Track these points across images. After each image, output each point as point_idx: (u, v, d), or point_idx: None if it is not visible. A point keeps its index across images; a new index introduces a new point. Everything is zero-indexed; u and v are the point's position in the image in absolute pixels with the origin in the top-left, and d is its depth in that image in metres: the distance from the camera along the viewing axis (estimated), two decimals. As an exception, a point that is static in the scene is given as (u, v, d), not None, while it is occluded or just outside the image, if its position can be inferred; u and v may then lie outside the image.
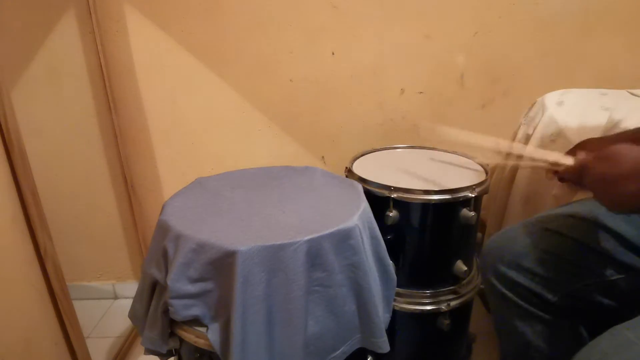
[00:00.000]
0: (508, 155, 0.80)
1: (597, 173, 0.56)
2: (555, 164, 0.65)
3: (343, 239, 0.74)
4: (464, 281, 1.01)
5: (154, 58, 1.22)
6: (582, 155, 0.60)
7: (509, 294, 0.73)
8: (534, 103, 1.11)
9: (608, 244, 0.68)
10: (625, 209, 0.58)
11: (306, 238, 0.71)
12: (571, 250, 0.69)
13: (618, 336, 0.51)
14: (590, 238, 0.69)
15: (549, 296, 0.70)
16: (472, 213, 0.91)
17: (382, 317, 0.82)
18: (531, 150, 0.69)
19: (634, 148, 0.54)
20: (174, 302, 0.72)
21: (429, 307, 0.98)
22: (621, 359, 0.49)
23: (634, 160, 0.53)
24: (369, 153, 1.16)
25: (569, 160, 0.62)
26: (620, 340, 0.51)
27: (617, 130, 0.89)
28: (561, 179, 0.68)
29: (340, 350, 0.79)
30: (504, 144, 0.79)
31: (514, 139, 1.15)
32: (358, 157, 1.12)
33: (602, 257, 0.68)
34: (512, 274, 0.72)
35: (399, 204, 0.92)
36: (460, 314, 1.02)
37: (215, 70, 1.23)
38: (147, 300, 0.81)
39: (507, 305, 0.74)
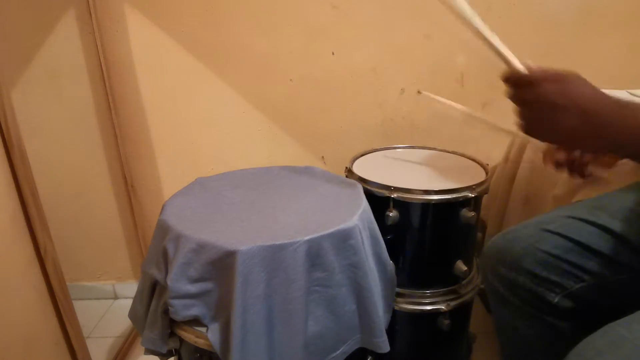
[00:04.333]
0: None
1: (542, 91, 0.54)
2: (507, 62, 0.60)
3: (343, 239, 0.74)
4: (464, 281, 1.01)
5: (154, 58, 1.22)
6: (537, 71, 0.56)
7: (510, 296, 0.73)
8: (534, 103, 1.10)
9: (608, 244, 0.68)
10: (545, 138, 0.56)
11: (306, 238, 0.71)
12: (571, 251, 0.69)
13: (612, 333, 0.51)
14: (590, 239, 0.69)
15: (550, 298, 0.69)
16: (472, 213, 0.91)
17: (382, 317, 0.82)
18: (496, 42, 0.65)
19: (586, 84, 0.54)
20: (174, 302, 0.72)
21: (429, 307, 0.98)
22: (615, 356, 0.48)
23: (582, 95, 0.53)
24: (369, 153, 1.16)
25: (520, 67, 0.58)
26: (614, 337, 0.51)
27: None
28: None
29: (340, 350, 0.79)
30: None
31: (514, 139, 1.15)
32: (358, 157, 1.12)
33: (603, 258, 0.68)
34: (512, 275, 0.72)
35: (399, 204, 0.91)
36: (460, 314, 1.02)
37: (215, 70, 1.23)
38: (147, 300, 0.81)
39: (508, 307, 0.74)
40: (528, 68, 0.58)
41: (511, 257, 0.73)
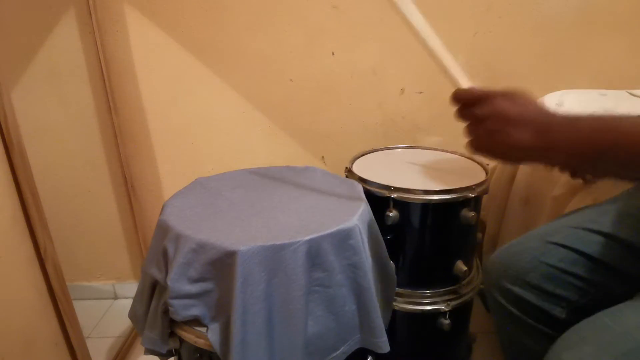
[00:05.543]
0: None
1: (497, 106, 0.54)
2: (455, 80, 0.60)
3: (343, 239, 0.74)
4: (464, 281, 1.01)
5: (154, 58, 1.22)
6: (487, 88, 0.57)
7: (515, 311, 0.71)
8: (534, 103, 1.10)
9: (614, 254, 0.66)
10: (495, 154, 0.56)
11: (306, 238, 0.71)
12: (577, 263, 0.67)
13: (596, 322, 0.53)
14: (596, 249, 0.67)
15: (556, 312, 0.68)
16: (472, 213, 0.91)
17: (382, 317, 0.82)
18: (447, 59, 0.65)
19: (535, 101, 0.55)
20: (174, 302, 0.72)
21: (429, 307, 0.98)
22: (597, 341, 0.50)
23: (535, 110, 0.53)
24: (369, 153, 1.16)
25: (469, 84, 0.59)
26: (599, 325, 0.52)
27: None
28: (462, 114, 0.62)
29: (340, 350, 0.79)
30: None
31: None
32: (358, 157, 1.12)
33: (609, 269, 0.66)
34: (518, 290, 0.70)
35: (399, 204, 0.92)
36: (460, 314, 1.02)
37: (215, 70, 1.23)
38: (147, 300, 0.81)
39: (514, 323, 0.72)
40: (477, 87, 0.59)
41: (515, 272, 0.71)
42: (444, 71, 0.62)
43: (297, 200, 0.86)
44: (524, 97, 0.55)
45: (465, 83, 0.60)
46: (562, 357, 0.52)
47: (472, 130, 0.57)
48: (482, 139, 0.56)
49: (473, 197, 0.90)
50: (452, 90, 0.60)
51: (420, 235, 0.98)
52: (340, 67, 1.22)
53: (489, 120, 0.54)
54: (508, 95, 0.55)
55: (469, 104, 0.57)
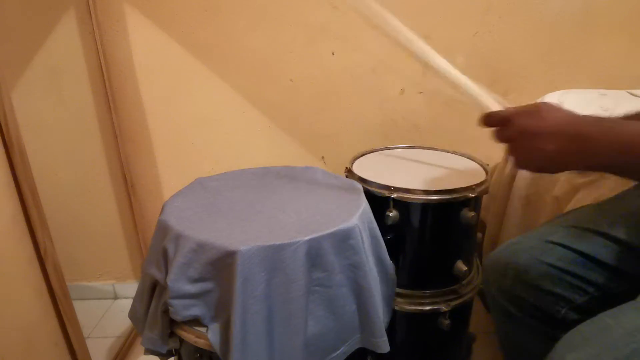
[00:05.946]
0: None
1: (519, 125, 0.58)
2: (487, 107, 0.64)
3: (343, 239, 0.74)
4: (464, 281, 1.01)
5: (154, 58, 1.22)
6: (511, 109, 0.61)
7: (514, 310, 0.71)
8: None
9: (612, 253, 0.66)
10: (534, 167, 0.59)
11: (306, 238, 0.71)
12: (575, 262, 0.67)
13: (598, 322, 0.52)
14: (594, 249, 0.67)
15: (555, 311, 0.68)
16: (472, 213, 0.91)
17: (382, 317, 0.82)
18: (471, 86, 0.69)
19: (560, 109, 0.58)
20: (174, 302, 0.72)
21: (429, 307, 0.98)
22: (600, 342, 0.50)
23: (557, 119, 0.56)
24: (369, 153, 1.16)
25: (497, 107, 0.63)
26: (601, 325, 0.52)
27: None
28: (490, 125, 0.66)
29: (340, 350, 0.79)
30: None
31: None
32: (358, 157, 1.12)
33: (607, 269, 0.66)
34: (517, 289, 0.70)
35: (399, 204, 0.91)
36: (460, 314, 1.02)
37: (215, 70, 1.23)
38: (147, 300, 0.81)
39: (513, 322, 0.72)
40: (501, 110, 0.63)
41: (514, 271, 0.71)
42: (470, 95, 0.67)
43: (297, 200, 0.86)
44: (545, 109, 0.58)
45: (490, 103, 0.64)
46: (565, 358, 0.52)
47: (511, 150, 0.60)
48: (521, 157, 0.59)
49: (473, 197, 0.90)
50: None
51: (420, 235, 0.98)
52: (340, 67, 1.22)
53: (519, 140, 0.58)
54: (530, 112, 0.58)
55: (499, 126, 0.61)
